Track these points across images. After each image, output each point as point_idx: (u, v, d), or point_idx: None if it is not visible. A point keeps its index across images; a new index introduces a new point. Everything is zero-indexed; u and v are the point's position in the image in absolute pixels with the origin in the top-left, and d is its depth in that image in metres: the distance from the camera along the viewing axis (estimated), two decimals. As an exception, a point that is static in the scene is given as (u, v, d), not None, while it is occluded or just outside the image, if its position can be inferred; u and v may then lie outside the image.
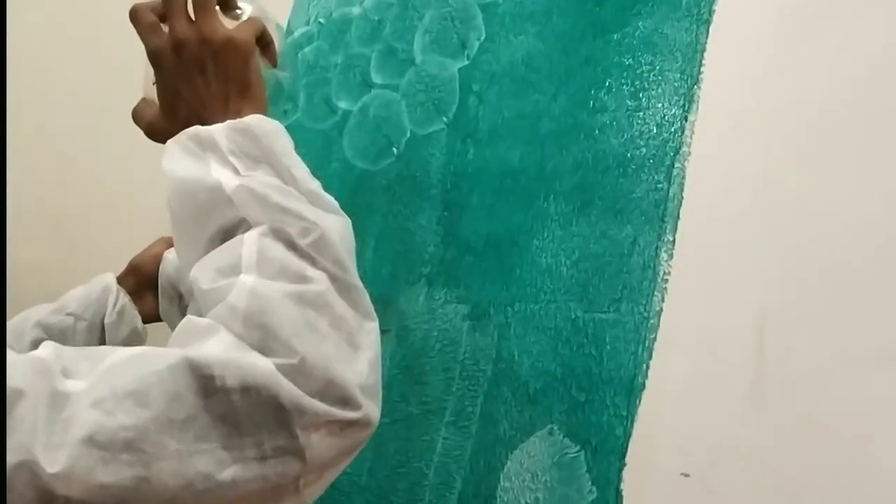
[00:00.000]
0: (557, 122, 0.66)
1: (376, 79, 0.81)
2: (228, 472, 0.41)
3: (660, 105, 0.60)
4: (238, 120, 0.53)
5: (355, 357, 0.46)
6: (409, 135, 0.76)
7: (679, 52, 0.60)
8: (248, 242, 0.48)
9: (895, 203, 0.49)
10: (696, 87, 0.58)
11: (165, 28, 0.56)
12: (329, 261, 0.48)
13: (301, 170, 0.53)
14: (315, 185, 0.53)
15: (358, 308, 0.49)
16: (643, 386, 0.55)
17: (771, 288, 0.52)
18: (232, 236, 0.50)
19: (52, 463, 0.37)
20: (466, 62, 0.74)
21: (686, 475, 0.51)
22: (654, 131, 0.59)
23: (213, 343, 0.43)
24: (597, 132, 0.63)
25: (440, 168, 0.72)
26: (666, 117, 0.59)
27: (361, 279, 0.50)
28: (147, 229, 1.02)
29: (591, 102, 0.64)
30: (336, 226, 0.50)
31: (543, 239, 0.63)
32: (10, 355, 0.40)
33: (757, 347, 0.51)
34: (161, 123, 0.57)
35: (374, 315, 0.50)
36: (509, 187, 0.67)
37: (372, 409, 0.46)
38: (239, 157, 0.51)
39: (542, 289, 0.62)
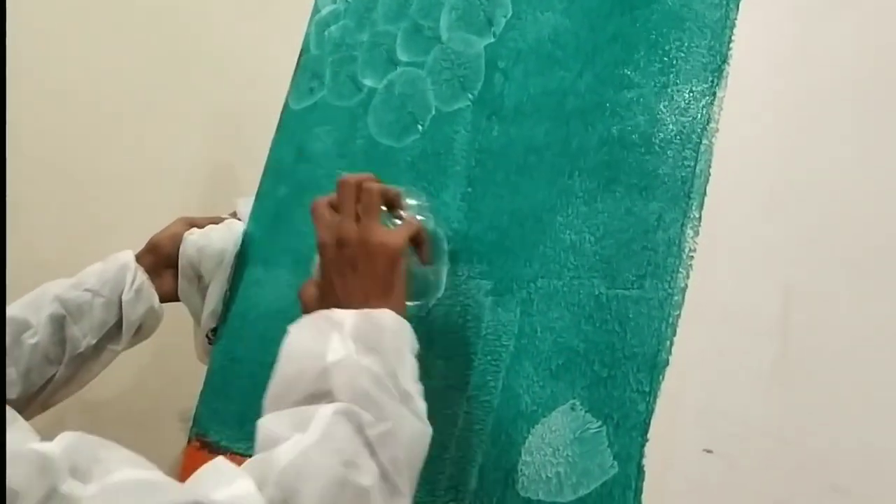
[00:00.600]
0: (583, 99, 0.65)
1: (402, 56, 0.81)
2: None
3: (688, 82, 0.59)
4: (370, 310, 0.56)
5: None
6: (434, 112, 0.76)
7: (708, 28, 0.59)
8: (322, 412, 0.49)
9: (926, 180, 0.48)
10: (725, 63, 0.57)
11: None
12: (387, 457, 0.49)
13: (406, 369, 0.55)
14: (415, 387, 0.55)
15: None
16: (666, 362, 0.54)
17: (797, 266, 0.51)
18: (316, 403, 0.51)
19: None
20: (493, 39, 0.73)
21: (709, 451, 0.51)
22: (682, 108, 0.59)
23: (231, 490, 0.43)
24: (623, 109, 0.62)
25: (465, 145, 0.72)
26: (694, 94, 0.58)
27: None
28: (108, 202, 1.04)
29: (618, 79, 0.63)
30: (410, 429, 0.52)
31: (568, 215, 0.63)
32: (16, 445, 0.38)
33: (781, 325, 0.50)
34: (313, 305, 0.60)
35: None
36: (534, 164, 0.66)
37: None
38: (357, 341, 0.54)
39: (566, 265, 0.61)
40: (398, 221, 0.66)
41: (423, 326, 0.69)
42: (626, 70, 0.63)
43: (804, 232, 0.51)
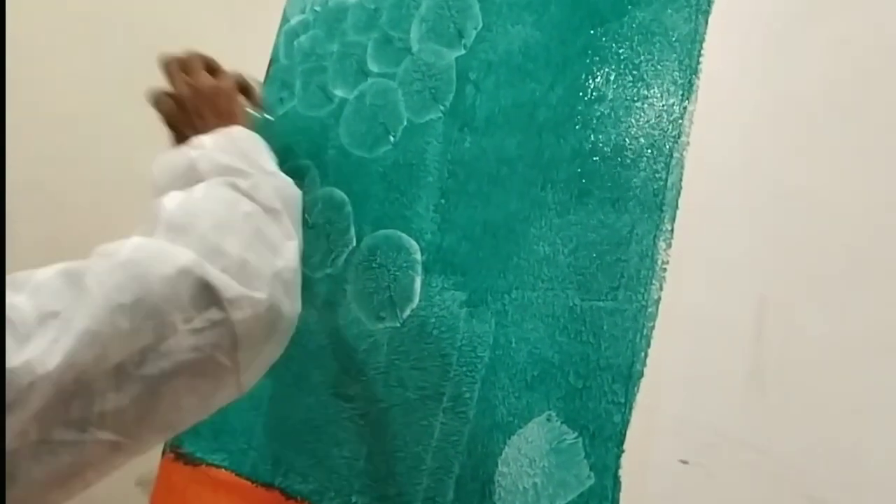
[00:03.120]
0: (555, 112, 0.63)
1: (373, 67, 0.79)
2: (166, 345, 0.46)
3: (658, 95, 0.58)
4: (221, 129, 0.64)
5: (273, 257, 0.54)
6: (405, 123, 0.74)
7: (678, 42, 0.58)
8: (198, 187, 0.57)
9: (894, 192, 0.47)
10: (695, 77, 0.56)
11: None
12: (263, 196, 0.57)
13: (264, 157, 0.63)
14: (272, 166, 0.63)
15: (282, 229, 0.57)
16: (641, 373, 0.53)
17: (770, 277, 0.50)
18: None
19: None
20: (463, 51, 0.72)
21: (685, 462, 0.50)
22: (653, 121, 0.58)
23: (126, 244, 0.49)
24: (594, 122, 0.61)
25: (437, 156, 0.70)
26: (665, 107, 0.57)
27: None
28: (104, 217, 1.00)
29: (589, 92, 0.62)
30: (279, 182, 0.61)
31: (541, 227, 0.61)
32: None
33: (755, 335, 0.50)
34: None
35: (295, 235, 0.58)
36: (506, 175, 0.65)
37: (280, 297, 0.53)
38: (214, 146, 0.61)
39: (540, 276, 0.60)
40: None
41: (398, 337, 0.67)
42: (596, 83, 0.62)
43: (776, 243, 0.50)
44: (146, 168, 0.61)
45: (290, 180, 0.62)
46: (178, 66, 0.70)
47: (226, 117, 0.67)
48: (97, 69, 1.03)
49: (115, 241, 0.50)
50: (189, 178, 0.59)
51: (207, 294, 0.48)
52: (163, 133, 0.68)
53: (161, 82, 0.69)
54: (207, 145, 0.61)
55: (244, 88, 0.75)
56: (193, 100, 0.67)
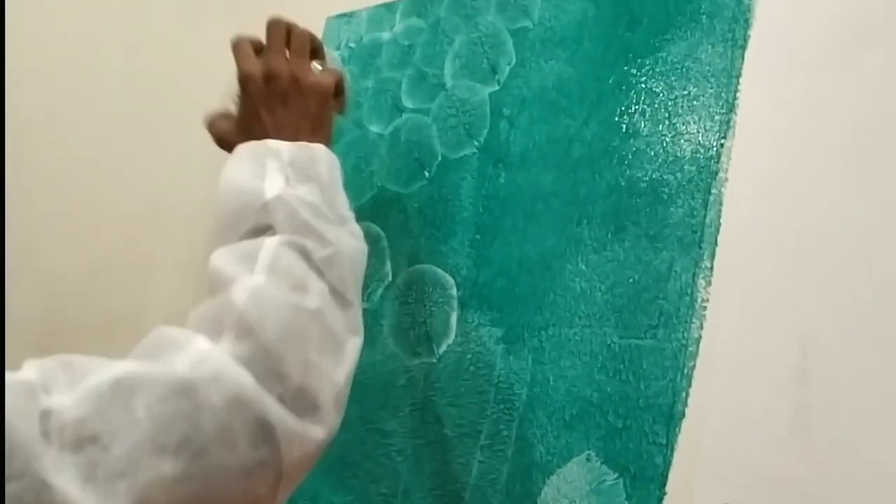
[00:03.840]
0: (590, 147, 0.63)
1: (407, 103, 0.79)
2: (209, 485, 0.41)
3: (695, 131, 0.57)
4: (305, 143, 0.58)
5: (335, 368, 0.49)
6: (440, 158, 0.74)
7: (714, 77, 0.57)
8: (268, 245, 0.51)
9: (941, 231, 0.46)
10: (732, 113, 0.55)
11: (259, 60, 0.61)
12: (334, 276, 0.52)
13: (341, 197, 0.58)
14: (349, 213, 0.57)
15: (350, 323, 0.52)
16: (683, 414, 0.52)
17: (812, 316, 0.49)
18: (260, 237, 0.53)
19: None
20: (497, 87, 0.71)
21: (729, 506, 0.48)
22: (690, 157, 0.57)
23: (189, 353, 0.44)
24: (630, 157, 0.60)
25: (472, 192, 0.70)
26: (702, 143, 0.56)
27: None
28: (112, 239, 1.01)
29: (624, 127, 0.61)
30: (351, 250, 0.55)
31: (577, 263, 0.60)
32: None
33: (799, 376, 0.48)
34: (234, 137, 0.60)
35: (362, 332, 0.54)
36: (541, 211, 0.64)
37: (335, 418, 0.49)
38: (295, 169, 0.55)
39: (577, 313, 0.59)
40: (319, 68, 0.65)
41: (435, 372, 0.67)
42: (631, 119, 0.61)
43: (819, 282, 0.49)
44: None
45: (361, 233, 0.57)
46: (283, 35, 0.62)
47: (312, 125, 0.60)
48: (100, 91, 1.04)
49: (178, 331, 0.46)
50: (259, 221, 0.53)
51: (262, 432, 0.43)
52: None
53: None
54: (284, 158, 0.55)
55: (338, 87, 0.66)
56: (286, 85, 0.59)
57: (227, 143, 0.61)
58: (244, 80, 0.60)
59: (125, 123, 1.03)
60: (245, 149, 0.57)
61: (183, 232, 1.08)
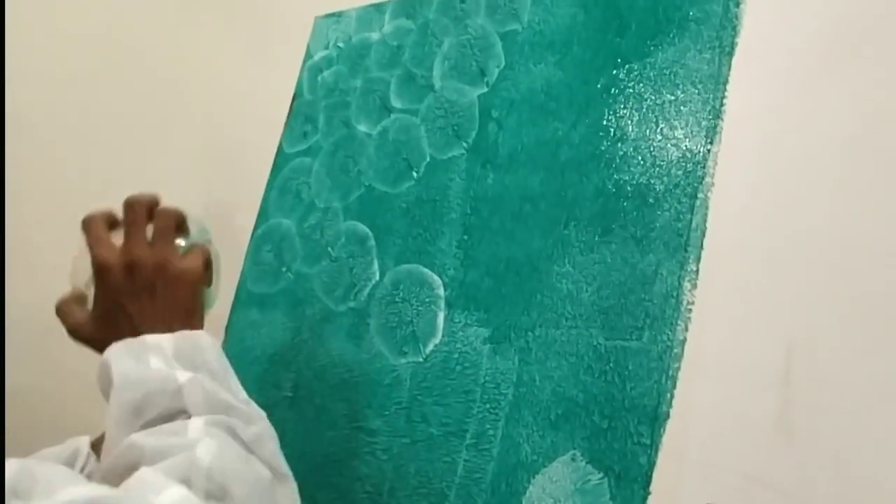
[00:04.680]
0: (577, 150, 0.63)
1: (396, 103, 0.79)
2: None
3: (682, 136, 0.57)
4: (185, 332, 0.54)
5: None
6: (428, 159, 0.73)
7: (701, 83, 0.57)
8: (194, 424, 0.48)
9: (923, 238, 0.46)
10: (719, 119, 0.56)
11: (115, 242, 0.57)
12: (266, 453, 0.51)
13: (234, 381, 0.55)
14: (244, 395, 0.54)
15: (292, 498, 0.53)
16: (667, 415, 0.52)
17: (797, 319, 0.49)
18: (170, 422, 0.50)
19: None
20: (486, 89, 0.71)
21: (712, 506, 0.48)
22: (676, 161, 0.57)
23: (168, 495, 0.42)
24: (617, 161, 0.60)
25: (460, 192, 0.70)
26: (688, 148, 0.56)
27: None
28: None
29: (612, 131, 0.61)
30: (267, 424, 0.53)
31: (564, 265, 0.60)
32: None
33: (784, 378, 0.48)
34: (90, 329, 0.57)
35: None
36: (529, 213, 0.64)
37: None
38: (181, 361, 0.52)
39: (563, 314, 0.59)
40: (182, 244, 0.60)
41: (421, 372, 0.66)
42: (619, 123, 0.61)
43: (803, 286, 0.49)
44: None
45: (264, 414, 0.54)
46: (144, 216, 0.58)
47: (184, 315, 0.56)
48: (113, 105, 1.03)
49: (157, 475, 0.44)
50: (171, 406, 0.50)
51: None
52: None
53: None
54: (169, 353, 0.52)
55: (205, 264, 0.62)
56: (151, 275, 0.55)
57: (82, 336, 0.57)
58: (101, 270, 0.55)
59: (124, 122, 1.02)
60: (122, 347, 0.52)
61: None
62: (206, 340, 0.55)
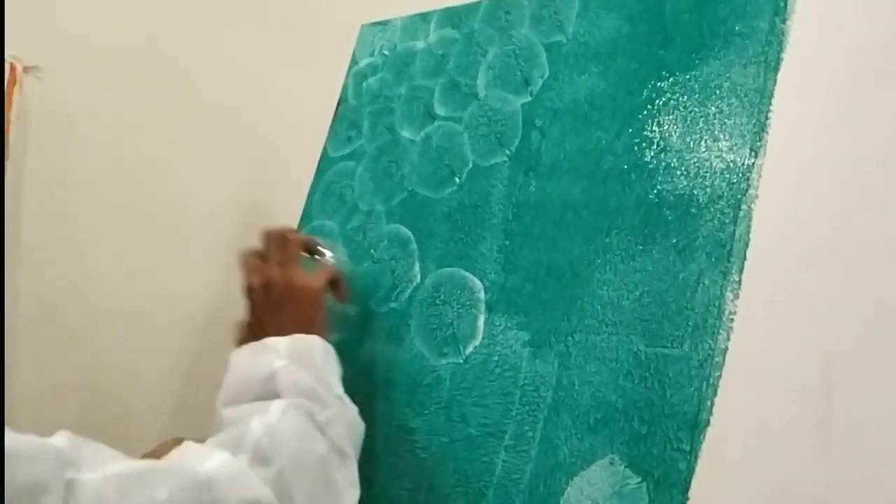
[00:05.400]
0: (620, 160, 0.63)
1: (439, 111, 0.80)
2: None
3: (726, 148, 0.57)
4: (300, 335, 0.63)
5: None
6: (471, 165, 0.74)
7: (746, 97, 0.58)
8: (276, 405, 0.56)
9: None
10: (763, 132, 0.56)
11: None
12: (334, 434, 0.57)
13: (335, 378, 0.63)
14: (342, 393, 0.62)
15: (349, 476, 0.57)
16: (707, 422, 0.52)
17: (839, 332, 0.49)
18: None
19: None
20: (529, 98, 0.72)
21: (751, 513, 0.49)
22: (720, 173, 0.57)
23: (212, 461, 0.49)
24: (660, 171, 0.60)
25: (502, 199, 0.70)
26: (732, 160, 0.57)
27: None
28: (150, 257, 1.01)
29: (655, 142, 0.62)
30: (349, 413, 0.61)
31: (605, 272, 0.61)
32: (30, 441, 0.41)
33: (825, 390, 0.48)
34: (242, 336, 0.67)
35: (358, 486, 0.58)
36: (571, 220, 0.65)
37: None
38: (292, 359, 0.60)
39: (604, 321, 0.60)
40: (312, 265, 0.72)
41: (461, 373, 0.67)
42: (663, 134, 0.61)
43: (845, 298, 0.49)
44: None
45: (356, 410, 0.62)
46: (278, 244, 0.69)
47: (306, 323, 0.65)
48: (160, 110, 1.05)
49: (201, 446, 0.51)
50: (266, 390, 0.58)
51: None
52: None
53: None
54: (282, 352, 0.60)
55: (333, 282, 0.72)
56: (281, 292, 0.66)
57: (239, 341, 0.67)
58: (248, 291, 0.67)
59: (171, 128, 1.04)
60: (246, 348, 0.62)
61: (208, 228, 1.09)
62: (317, 342, 0.63)
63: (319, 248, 0.75)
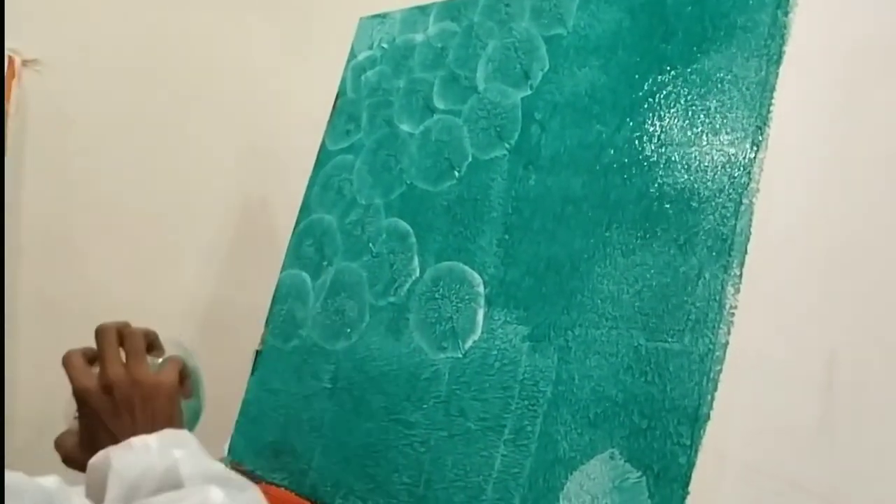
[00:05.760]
0: (621, 153, 0.63)
1: (438, 104, 0.79)
2: None
3: (727, 141, 0.57)
4: (169, 430, 0.56)
5: None
6: (470, 159, 0.74)
7: (748, 90, 0.57)
8: (191, 491, 0.51)
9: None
10: (765, 126, 0.55)
11: (93, 371, 0.60)
12: None
13: (221, 465, 0.56)
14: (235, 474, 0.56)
15: None
16: (708, 417, 0.51)
17: (841, 325, 0.49)
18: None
19: None
20: (529, 91, 0.71)
21: (752, 508, 0.48)
22: (721, 167, 0.56)
23: None
24: (661, 165, 0.60)
25: (501, 192, 0.70)
26: (734, 154, 0.56)
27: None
28: (148, 252, 1.01)
29: (656, 135, 0.61)
30: (259, 495, 0.54)
31: (605, 266, 0.60)
32: (21, 479, 0.40)
33: (826, 385, 0.48)
34: (79, 454, 0.58)
35: None
36: (571, 214, 0.64)
37: None
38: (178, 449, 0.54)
39: (604, 315, 0.59)
40: (159, 361, 0.65)
41: (460, 367, 0.66)
42: (664, 127, 0.61)
43: (848, 293, 0.49)
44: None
45: (249, 483, 0.56)
46: (113, 341, 0.61)
47: (162, 420, 0.59)
48: (157, 102, 1.04)
49: None
50: (166, 481, 0.52)
51: None
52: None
53: None
54: (153, 447, 0.53)
55: (180, 375, 0.65)
56: (128, 392, 0.58)
57: (74, 462, 0.59)
58: (81, 395, 0.59)
59: (167, 119, 1.03)
60: (113, 450, 0.54)
61: (207, 222, 1.08)
62: (189, 435, 0.57)
63: (158, 341, 0.67)
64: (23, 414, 0.89)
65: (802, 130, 0.54)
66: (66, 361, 0.60)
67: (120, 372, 0.59)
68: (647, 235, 0.59)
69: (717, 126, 0.58)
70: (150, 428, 0.57)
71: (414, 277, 0.73)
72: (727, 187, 0.56)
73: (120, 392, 0.58)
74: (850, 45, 0.54)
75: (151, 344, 0.65)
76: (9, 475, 0.38)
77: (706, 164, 0.57)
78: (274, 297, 0.85)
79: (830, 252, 0.50)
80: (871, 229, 0.50)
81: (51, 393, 0.90)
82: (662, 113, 0.61)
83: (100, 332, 0.61)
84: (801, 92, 0.55)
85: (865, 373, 0.47)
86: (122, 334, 0.62)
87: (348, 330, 0.76)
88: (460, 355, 0.67)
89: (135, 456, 0.53)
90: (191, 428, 0.66)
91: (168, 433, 0.56)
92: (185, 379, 0.66)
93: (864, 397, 0.47)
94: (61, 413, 0.63)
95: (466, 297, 0.68)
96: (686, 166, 0.58)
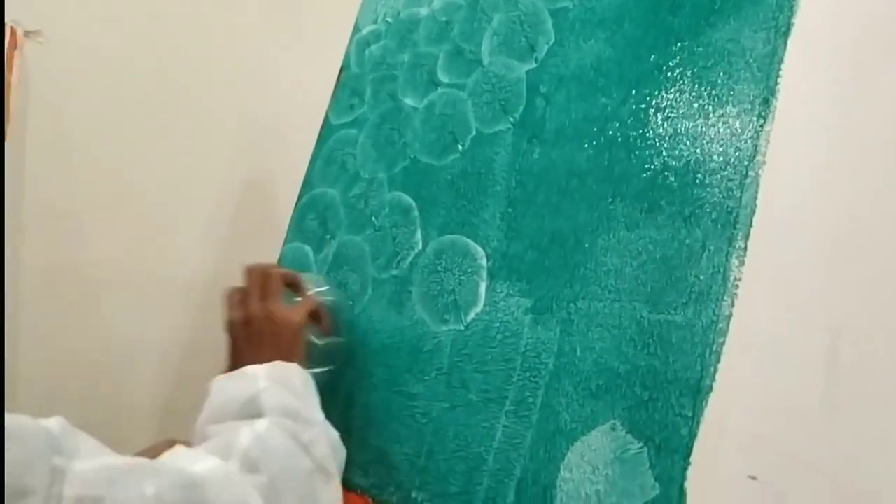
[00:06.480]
0: (626, 127, 0.62)
1: (443, 78, 0.78)
2: None
3: (734, 114, 0.56)
4: (278, 362, 0.62)
5: None
6: (474, 133, 0.73)
7: (755, 62, 0.56)
8: (258, 423, 0.55)
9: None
10: (773, 98, 0.54)
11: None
12: (319, 454, 0.56)
13: (314, 401, 0.62)
14: (322, 415, 0.61)
15: (333, 497, 0.56)
16: (710, 388, 0.51)
17: (846, 300, 0.48)
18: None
19: None
20: (535, 65, 0.70)
21: (753, 478, 0.48)
22: (728, 140, 0.56)
23: (204, 464, 0.48)
24: (667, 138, 0.59)
25: (505, 166, 0.69)
26: (740, 126, 0.55)
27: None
28: (150, 227, 1.00)
29: (662, 109, 0.60)
30: (331, 437, 0.59)
31: (609, 239, 0.60)
32: (23, 420, 0.40)
33: (830, 357, 0.47)
34: (229, 366, 0.66)
35: (341, 501, 0.58)
36: (575, 187, 0.63)
37: None
38: (274, 382, 0.59)
39: (607, 287, 0.58)
40: (299, 299, 0.72)
41: (462, 339, 0.66)
42: (670, 100, 0.60)
43: (853, 266, 0.48)
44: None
45: (338, 434, 0.60)
46: (259, 279, 0.68)
47: (284, 354, 0.64)
48: (161, 81, 1.03)
49: (193, 450, 0.51)
50: (249, 410, 0.57)
51: None
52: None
53: None
54: (263, 376, 0.59)
55: (315, 314, 0.72)
56: (261, 325, 0.66)
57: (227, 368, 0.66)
58: (228, 325, 0.67)
59: (171, 96, 1.02)
60: (224, 376, 0.62)
61: (210, 197, 1.07)
62: (296, 369, 0.63)
63: (301, 282, 0.74)
64: (25, 389, 0.88)
65: (810, 102, 0.53)
66: (225, 297, 0.69)
67: (257, 307, 0.66)
68: (652, 208, 0.58)
69: (724, 98, 0.57)
70: (272, 356, 0.63)
71: (416, 251, 0.73)
72: (733, 159, 0.55)
73: (255, 325, 0.66)
74: (860, 20, 0.53)
75: (295, 284, 0.73)
76: (9, 417, 0.38)
77: (712, 136, 0.57)
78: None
79: (837, 228, 0.50)
80: (877, 209, 0.49)
81: (55, 366, 0.90)
82: (668, 86, 0.60)
83: (247, 273, 0.69)
84: (808, 65, 0.54)
85: (869, 350, 0.46)
86: (266, 274, 0.69)
87: (351, 303, 0.76)
88: (462, 328, 0.66)
89: (232, 383, 0.60)
90: (334, 362, 0.73)
91: (277, 365, 0.62)
92: (322, 318, 0.73)
93: (867, 371, 0.46)
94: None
95: (469, 269, 0.68)
96: (692, 139, 0.58)
